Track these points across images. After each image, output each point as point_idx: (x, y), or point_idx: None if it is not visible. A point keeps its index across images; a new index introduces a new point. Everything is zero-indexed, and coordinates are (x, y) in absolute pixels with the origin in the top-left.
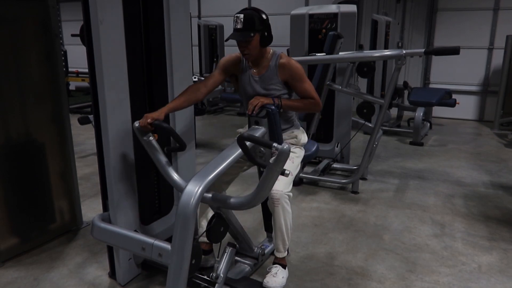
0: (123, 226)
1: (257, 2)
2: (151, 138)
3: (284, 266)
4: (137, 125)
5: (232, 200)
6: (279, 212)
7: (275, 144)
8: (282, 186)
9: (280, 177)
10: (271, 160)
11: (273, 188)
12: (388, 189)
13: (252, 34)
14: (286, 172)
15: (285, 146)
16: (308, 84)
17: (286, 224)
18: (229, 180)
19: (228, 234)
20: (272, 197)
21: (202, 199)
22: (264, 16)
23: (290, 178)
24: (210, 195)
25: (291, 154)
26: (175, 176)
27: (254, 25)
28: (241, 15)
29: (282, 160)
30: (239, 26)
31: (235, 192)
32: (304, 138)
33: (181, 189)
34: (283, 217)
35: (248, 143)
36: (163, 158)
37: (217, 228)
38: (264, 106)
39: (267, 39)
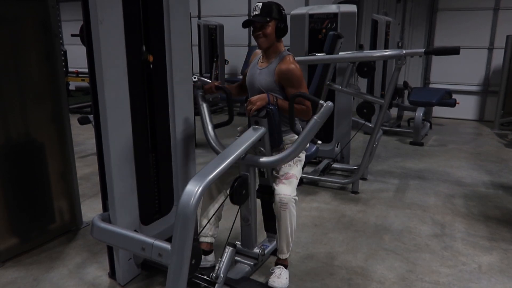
0: (123, 226)
1: (257, 2)
2: (205, 105)
3: (286, 267)
4: (201, 92)
5: (264, 159)
6: (286, 216)
7: (321, 101)
8: (290, 190)
9: (287, 182)
10: (315, 117)
11: (281, 193)
12: (388, 189)
13: (268, 19)
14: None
15: (329, 103)
16: (303, 90)
17: (291, 227)
18: (230, 180)
19: (227, 235)
20: (280, 201)
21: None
22: (282, 9)
23: (296, 182)
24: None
25: (295, 158)
26: (212, 139)
27: (272, 13)
28: (260, 3)
29: (326, 115)
30: (256, 12)
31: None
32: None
33: (217, 151)
34: (289, 221)
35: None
36: (210, 123)
37: (240, 189)
38: (264, 106)
39: (282, 30)
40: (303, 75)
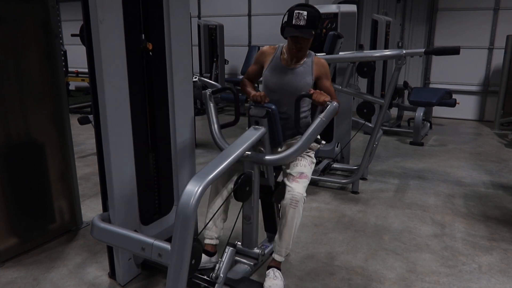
0: (123, 226)
1: (257, 2)
2: (212, 104)
3: (279, 269)
4: (208, 92)
5: (269, 156)
6: (294, 215)
7: (328, 102)
8: (302, 189)
9: (301, 181)
10: (321, 116)
11: (295, 190)
12: (388, 189)
13: (313, 33)
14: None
15: (334, 103)
16: (332, 86)
17: (295, 228)
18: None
19: (228, 233)
20: (292, 197)
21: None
22: (320, 14)
23: (307, 183)
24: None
25: (309, 159)
26: (218, 137)
27: (316, 25)
28: (304, 12)
29: (331, 114)
30: (301, 23)
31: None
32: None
33: (221, 148)
34: (295, 221)
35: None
36: (216, 122)
37: (243, 186)
38: (265, 106)
39: (319, 38)
40: None
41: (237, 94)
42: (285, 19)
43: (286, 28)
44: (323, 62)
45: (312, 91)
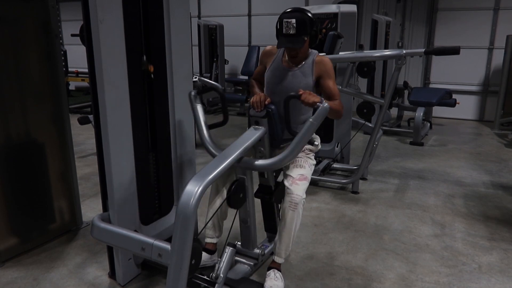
0: (123, 226)
1: (257, 2)
2: (199, 106)
3: (279, 270)
4: (193, 92)
5: (260, 162)
6: (293, 217)
7: (318, 103)
8: (302, 191)
9: (300, 183)
10: (310, 119)
11: (294, 193)
12: (388, 189)
13: (306, 39)
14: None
15: (325, 104)
16: (335, 85)
17: (295, 230)
18: (232, 178)
19: (227, 235)
20: (291, 200)
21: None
22: (311, 16)
23: (307, 185)
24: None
25: (309, 161)
26: (208, 142)
27: (307, 29)
28: (293, 20)
29: (322, 116)
30: (291, 31)
31: None
32: (320, 144)
33: (213, 155)
34: (295, 223)
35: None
36: (205, 125)
37: (237, 193)
38: (265, 106)
39: (315, 39)
40: None
41: (224, 94)
42: (277, 26)
43: (279, 38)
44: (325, 60)
45: (301, 91)
